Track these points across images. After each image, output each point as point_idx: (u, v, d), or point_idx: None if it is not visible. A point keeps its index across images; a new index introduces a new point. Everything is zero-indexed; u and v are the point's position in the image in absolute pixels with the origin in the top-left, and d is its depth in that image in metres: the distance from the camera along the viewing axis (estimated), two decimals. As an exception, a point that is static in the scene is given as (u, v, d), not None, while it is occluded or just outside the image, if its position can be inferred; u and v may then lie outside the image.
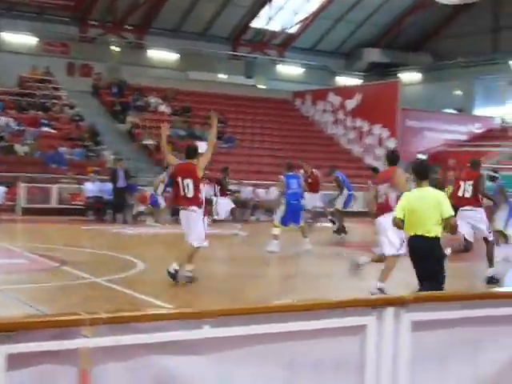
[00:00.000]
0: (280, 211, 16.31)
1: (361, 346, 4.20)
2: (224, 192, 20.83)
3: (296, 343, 4.04)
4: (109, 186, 24.81)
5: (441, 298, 4.43)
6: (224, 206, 20.81)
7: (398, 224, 8.50)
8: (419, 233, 8.28)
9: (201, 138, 32.71)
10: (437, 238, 8.28)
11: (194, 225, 11.29)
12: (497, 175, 16.64)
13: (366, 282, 12.75)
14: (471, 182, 12.54)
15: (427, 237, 8.23)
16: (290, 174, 16.70)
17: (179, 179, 11.45)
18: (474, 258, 17.89)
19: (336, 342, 4.15)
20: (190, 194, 11.30)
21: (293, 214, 16.24)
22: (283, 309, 4.03)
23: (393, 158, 11.01)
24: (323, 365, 4.13)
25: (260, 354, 3.94)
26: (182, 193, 11.38)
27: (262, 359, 3.96)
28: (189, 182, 11.33)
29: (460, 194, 12.67)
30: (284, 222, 16.29)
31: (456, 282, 13.24)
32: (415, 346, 4.29)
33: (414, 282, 8.75)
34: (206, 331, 3.71)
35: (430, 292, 4.63)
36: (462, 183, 12.78)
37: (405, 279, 10.03)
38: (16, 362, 3.19)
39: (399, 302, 4.23)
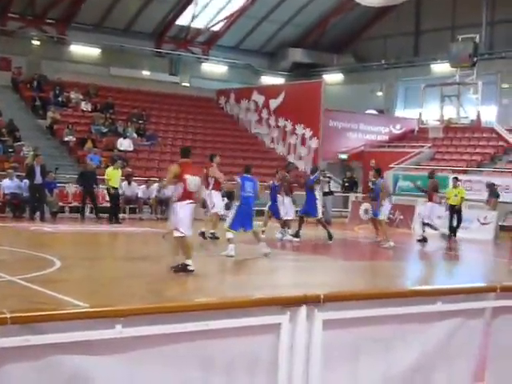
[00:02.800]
0: (231, 214, 15.75)
1: (274, 345, 4.21)
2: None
3: (210, 342, 4.03)
4: (27, 182, 24.30)
5: (353, 297, 4.49)
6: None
7: None
8: None
9: (123, 135, 32.41)
10: None
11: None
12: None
13: (288, 280, 12.87)
14: None
15: None
16: (247, 176, 15.76)
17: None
18: (395, 257, 18.29)
19: (250, 341, 4.16)
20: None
21: (243, 218, 15.32)
22: (196, 307, 4.01)
23: None
24: (237, 364, 4.13)
25: (173, 353, 3.91)
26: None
27: (175, 358, 3.93)
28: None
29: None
30: (234, 226, 15.36)
31: (375, 280, 13.49)
32: (327, 345, 4.33)
33: (332, 281, 8.86)
34: (118, 331, 3.66)
35: (342, 291, 4.67)
36: None
37: (323, 279, 10.16)
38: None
39: (312, 301, 4.26)
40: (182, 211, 12.36)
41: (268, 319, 4.15)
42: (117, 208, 24.36)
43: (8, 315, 3.28)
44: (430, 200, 21.37)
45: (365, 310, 4.41)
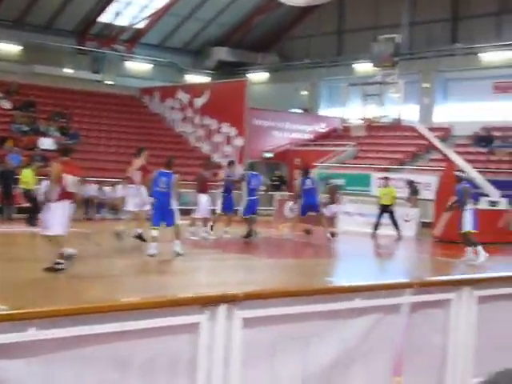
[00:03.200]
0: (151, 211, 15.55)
1: (194, 345, 4.19)
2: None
3: (127, 343, 3.98)
4: None
5: (272, 295, 4.49)
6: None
7: None
8: None
9: (45, 134, 31.81)
10: None
11: None
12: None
13: (212, 279, 12.85)
14: None
15: None
16: (163, 171, 15.41)
17: None
18: (319, 255, 18.45)
19: (169, 341, 4.12)
20: None
21: (162, 213, 15.05)
22: (114, 308, 3.95)
23: None
24: (156, 364, 4.09)
25: (89, 354, 3.85)
26: None
27: (91, 360, 3.87)
28: None
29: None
30: (155, 221, 15.11)
31: (298, 278, 13.57)
32: (247, 343, 4.33)
33: (256, 279, 8.87)
34: (32, 333, 3.58)
35: (261, 289, 4.68)
36: None
37: (246, 277, 10.17)
38: None
39: (231, 300, 4.25)
40: (60, 211, 12.11)
41: (187, 319, 4.13)
42: (35, 209, 23.83)
43: None
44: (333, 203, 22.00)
45: (284, 308, 4.43)
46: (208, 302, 4.19)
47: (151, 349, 4.04)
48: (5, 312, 3.58)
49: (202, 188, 19.66)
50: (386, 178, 24.52)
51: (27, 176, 23.24)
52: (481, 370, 5.55)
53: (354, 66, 38.97)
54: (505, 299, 5.76)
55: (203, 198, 19.54)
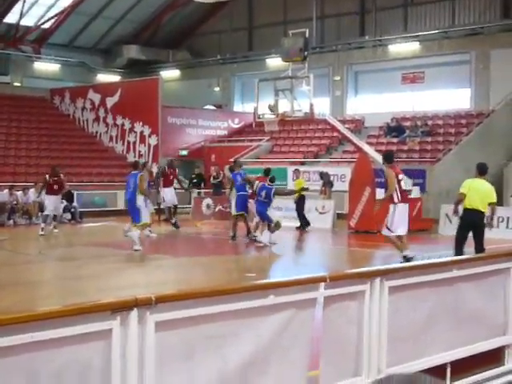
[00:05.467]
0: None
1: (106, 352, 4.11)
2: None
3: (36, 354, 3.87)
4: None
5: (185, 297, 4.44)
6: None
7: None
8: None
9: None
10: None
11: None
12: None
13: (128, 281, 12.71)
14: None
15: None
16: (133, 172, 17.06)
17: None
18: (235, 251, 18.46)
19: (80, 349, 4.03)
20: None
21: (131, 212, 16.82)
22: (20, 320, 3.83)
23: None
24: (67, 374, 3.99)
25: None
26: None
27: (0, 373, 3.75)
28: None
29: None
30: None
31: (215, 276, 13.54)
32: (161, 346, 4.28)
33: (172, 279, 8.79)
34: None
35: (174, 291, 4.63)
36: None
37: (163, 277, 10.08)
38: None
39: (144, 304, 4.19)
40: None
41: (97, 326, 4.04)
42: None
43: None
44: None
45: (197, 309, 4.39)
46: (119, 308, 4.11)
47: (61, 358, 3.94)
48: None
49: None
50: (297, 171, 24.85)
51: None
52: (394, 359, 5.65)
53: (266, 61, 39.10)
54: (414, 288, 5.87)
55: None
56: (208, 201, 28.37)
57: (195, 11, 41.98)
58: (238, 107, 42.48)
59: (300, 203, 22.78)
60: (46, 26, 40.25)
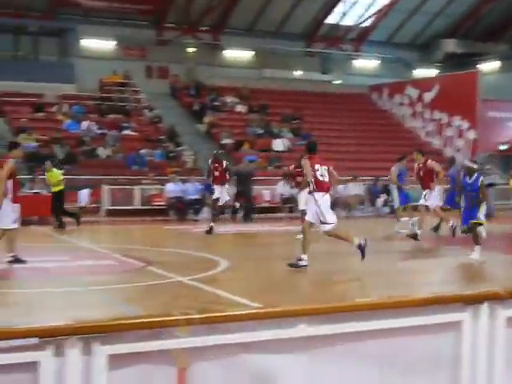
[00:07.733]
0: None
1: (456, 344, 4.13)
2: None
3: (389, 341, 4.00)
4: (189, 186, 25.51)
5: None
6: None
7: None
8: None
9: (277, 136, 32.82)
10: None
11: None
12: None
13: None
14: None
15: None
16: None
17: None
18: None
19: (431, 339, 4.09)
20: None
21: None
22: (372, 307, 3.98)
23: None
24: (418, 363, 4.08)
25: (351, 352, 3.91)
26: None
27: (354, 358, 3.93)
28: None
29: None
30: None
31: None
32: (511, 343, 4.20)
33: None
34: (301, 330, 3.70)
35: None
36: None
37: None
38: (116, 362, 3.25)
39: (494, 298, 4.15)
40: None
41: (449, 317, 4.07)
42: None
43: (197, 316, 3.40)
44: None
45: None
46: (471, 300, 4.11)
47: (414, 348, 4.03)
48: (277, 309, 3.74)
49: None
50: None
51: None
52: None
53: None
54: None
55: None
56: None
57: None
58: None
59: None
60: (366, 24, 41.15)
